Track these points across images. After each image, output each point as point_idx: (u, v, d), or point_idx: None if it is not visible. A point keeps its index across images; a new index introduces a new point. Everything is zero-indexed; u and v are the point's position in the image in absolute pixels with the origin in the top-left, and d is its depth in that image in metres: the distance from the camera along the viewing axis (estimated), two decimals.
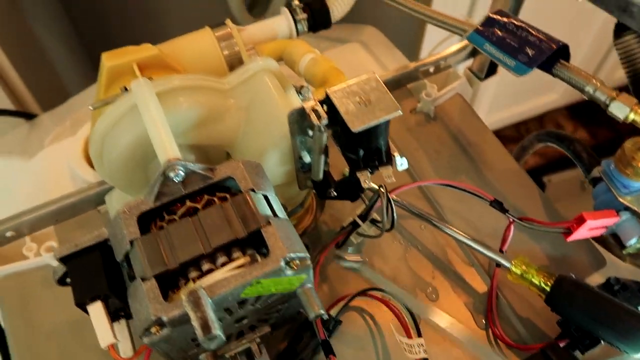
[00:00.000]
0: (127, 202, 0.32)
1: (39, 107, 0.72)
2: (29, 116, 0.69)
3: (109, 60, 0.40)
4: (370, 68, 0.61)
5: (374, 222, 0.44)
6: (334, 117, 0.34)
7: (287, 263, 0.30)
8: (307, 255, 0.31)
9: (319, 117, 0.33)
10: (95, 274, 0.32)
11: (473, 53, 0.58)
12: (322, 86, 0.43)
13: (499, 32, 0.43)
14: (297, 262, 0.31)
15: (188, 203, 0.33)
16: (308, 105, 0.34)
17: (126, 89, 0.38)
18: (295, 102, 0.39)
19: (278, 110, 0.38)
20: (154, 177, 0.40)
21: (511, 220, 0.43)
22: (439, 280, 0.45)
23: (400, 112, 0.33)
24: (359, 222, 0.44)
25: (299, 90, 0.41)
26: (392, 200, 0.40)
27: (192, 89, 0.38)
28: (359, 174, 0.36)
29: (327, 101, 0.35)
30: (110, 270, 0.33)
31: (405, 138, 0.54)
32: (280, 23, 0.48)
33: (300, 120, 0.36)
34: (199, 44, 0.44)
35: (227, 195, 0.34)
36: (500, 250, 0.44)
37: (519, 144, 0.58)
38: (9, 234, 0.44)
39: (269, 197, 0.34)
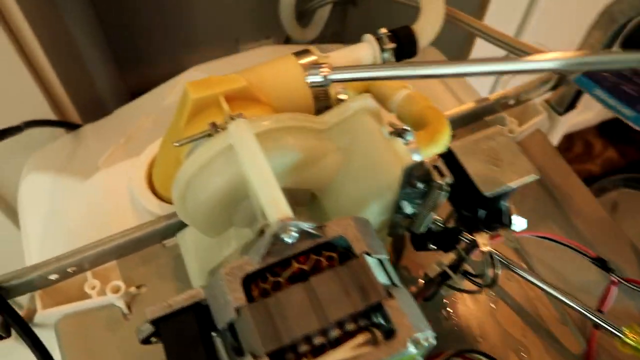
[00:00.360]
0: (230, 263, 0.29)
1: (79, 117, 0.68)
2: (70, 126, 0.65)
3: (195, 91, 0.36)
4: (442, 97, 0.58)
5: (466, 274, 0.41)
6: (454, 174, 0.31)
7: (414, 342, 0.27)
8: (433, 333, 0.28)
9: (441, 174, 0.30)
10: (190, 340, 0.29)
11: (556, 85, 0.54)
12: (420, 127, 0.40)
13: (612, 77, 0.40)
14: (424, 342, 0.28)
15: (295, 265, 0.30)
16: (429, 160, 0.31)
17: (216, 126, 0.35)
18: (400, 149, 0.36)
19: (383, 158, 0.35)
20: (238, 219, 0.38)
21: (615, 280, 0.40)
22: (531, 339, 0.42)
23: (537, 176, 0.30)
24: (450, 273, 0.41)
25: (400, 134, 0.37)
26: (497, 256, 0.37)
27: (289, 130, 0.34)
28: (476, 236, 0.33)
29: (448, 156, 0.31)
30: (203, 334, 0.30)
31: None
32: (365, 52, 0.45)
33: (412, 173, 0.33)
34: (284, 74, 0.41)
35: (334, 255, 0.31)
36: (599, 311, 0.41)
37: (597, 183, 0.55)
38: (70, 269, 0.41)
39: (384, 262, 0.31)
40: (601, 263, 0.41)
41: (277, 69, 0.41)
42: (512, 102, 0.54)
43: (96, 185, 0.49)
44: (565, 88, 0.55)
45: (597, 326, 0.40)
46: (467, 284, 0.41)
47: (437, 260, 0.41)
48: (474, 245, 0.36)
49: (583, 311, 0.40)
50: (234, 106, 0.37)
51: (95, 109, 0.80)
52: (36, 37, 0.60)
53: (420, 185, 0.34)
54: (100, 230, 0.46)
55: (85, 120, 0.68)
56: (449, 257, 0.41)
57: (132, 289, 0.41)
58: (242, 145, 0.31)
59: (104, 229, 0.46)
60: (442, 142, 0.38)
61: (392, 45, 0.45)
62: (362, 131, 0.36)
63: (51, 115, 0.65)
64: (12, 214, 0.74)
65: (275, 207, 0.29)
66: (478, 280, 0.40)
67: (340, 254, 0.31)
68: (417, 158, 0.38)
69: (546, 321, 0.43)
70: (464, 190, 0.31)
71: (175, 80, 0.63)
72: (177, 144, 0.35)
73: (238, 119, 0.32)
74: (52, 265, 0.40)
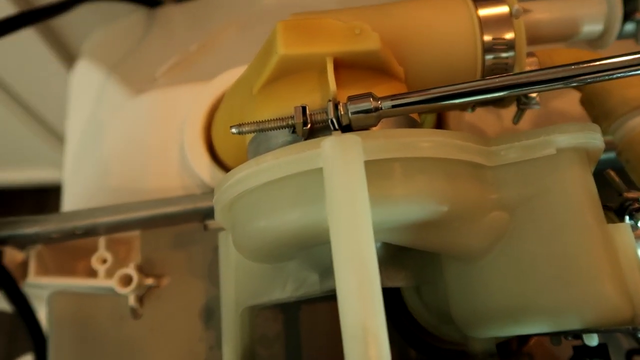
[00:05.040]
0: None
1: None
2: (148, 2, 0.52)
3: (289, 43, 0.21)
4: None
5: None
6: None
7: None
8: None
9: None
10: None
11: None
12: None
13: None
14: None
15: None
16: None
17: (305, 117, 0.20)
18: (620, 238, 0.20)
19: (587, 255, 0.19)
20: (306, 257, 0.24)
21: None
22: None
23: None
24: None
25: (628, 208, 0.21)
26: None
27: (427, 166, 0.19)
28: None
29: None
30: None
31: None
32: (595, 12, 0.26)
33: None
34: (446, 26, 0.24)
35: None
36: None
37: None
38: (78, 231, 0.31)
39: None
40: None
41: (436, 16, 0.24)
42: None
43: (144, 108, 0.37)
44: None
45: None
46: None
47: None
48: None
49: None
50: (347, 79, 0.22)
51: None
52: None
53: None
54: (134, 170, 0.36)
55: None
56: None
57: (150, 281, 0.30)
58: (336, 187, 0.17)
59: (139, 172, 0.35)
60: None
61: None
62: (559, 190, 0.20)
63: None
64: None
65: (365, 344, 0.15)
66: None
67: None
68: None
69: None
70: None
71: None
72: (235, 131, 0.21)
73: (341, 137, 0.17)
74: (53, 223, 0.30)
